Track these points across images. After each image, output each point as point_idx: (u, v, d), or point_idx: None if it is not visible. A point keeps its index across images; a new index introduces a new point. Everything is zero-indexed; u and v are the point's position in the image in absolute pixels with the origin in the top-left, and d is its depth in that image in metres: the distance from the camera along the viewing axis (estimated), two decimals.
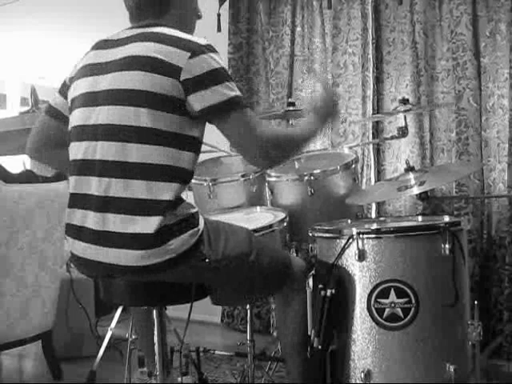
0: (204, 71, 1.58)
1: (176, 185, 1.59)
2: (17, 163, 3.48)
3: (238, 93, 1.62)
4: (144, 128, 1.56)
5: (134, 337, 2.42)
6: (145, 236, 1.55)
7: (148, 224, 1.55)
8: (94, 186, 1.61)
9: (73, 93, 1.71)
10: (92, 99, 1.64)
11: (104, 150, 1.60)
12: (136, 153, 1.56)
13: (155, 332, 1.83)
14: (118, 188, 1.57)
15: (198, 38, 1.65)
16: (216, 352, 2.64)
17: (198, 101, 1.58)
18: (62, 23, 4.37)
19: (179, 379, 2.20)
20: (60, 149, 1.79)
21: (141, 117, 1.56)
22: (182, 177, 1.63)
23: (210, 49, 1.62)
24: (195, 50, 1.59)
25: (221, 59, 1.64)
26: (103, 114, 1.61)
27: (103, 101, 1.61)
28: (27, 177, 2.70)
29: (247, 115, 1.62)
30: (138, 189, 1.56)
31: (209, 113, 1.59)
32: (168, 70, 1.57)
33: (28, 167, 3.24)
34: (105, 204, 1.59)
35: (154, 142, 1.57)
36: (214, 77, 1.59)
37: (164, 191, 1.57)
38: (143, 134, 1.56)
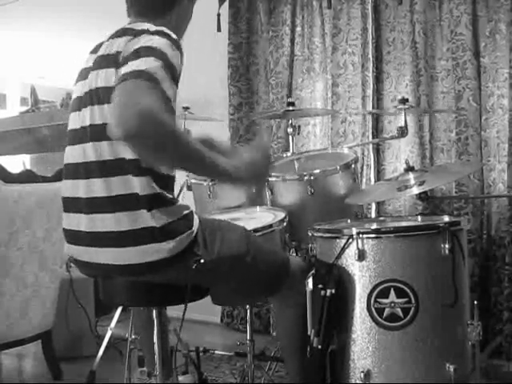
0: (134, 48, 1.49)
1: (151, 178, 1.55)
2: (17, 163, 3.49)
3: (152, 69, 1.41)
4: (108, 124, 1.50)
5: (133, 337, 2.42)
6: (136, 233, 1.55)
7: (136, 221, 1.54)
8: (82, 188, 1.61)
9: (72, 97, 1.74)
10: (79, 103, 1.66)
11: (87, 152, 1.60)
12: (108, 150, 1.55)
13: (155, 332, 1.83)
14: (99, 188, 1.57)
15: (162, 27, 1.56)
16: (216, 352, 2.64)
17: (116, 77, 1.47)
18: (62, 23, 4.38)
19: (179, 378, 2.20)
20: None
21: (104, 113, 1.55)
22: (156, 171, 1.57)
23: (157, 33, 1.52)
24: (138, 33, 1.53)
25: (170, 46, 1.49)
26: (86, 116, 1.61)
27: (85, 103, 1.63)
28: (27, 177, 2.70)
29: (144, 86, 1.38)
30: (115, 186, 1.55)
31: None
32: (115, 59, 1.54)
33: (28, 167, 3.25)
34: (91, 205, 1.59)
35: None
36: (139, 52, 1.46)
37: (139, 187, 1.54)
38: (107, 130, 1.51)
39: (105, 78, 1.56)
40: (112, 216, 1.56)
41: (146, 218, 1.54)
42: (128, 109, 1.32)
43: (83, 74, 1.69)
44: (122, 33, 1.60)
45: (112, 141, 1.53)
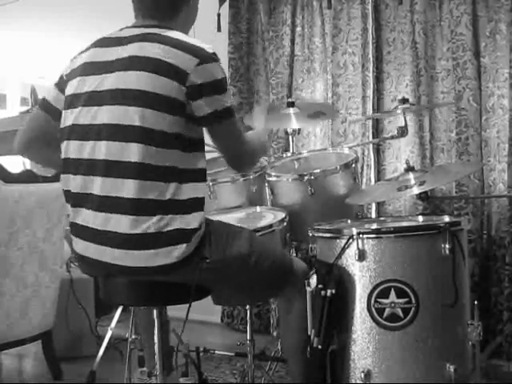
0: (209, 80, 1.62)
1: (180, 185, 1.59)
2: (17, 163, 3.48)
3: (231, 102, 1.71)
4: (147, 129, 1.56)
5: (134, 337, 2.42)
6: (145, 237, 1.55)
7: (148, 226, 1.55)
8: (98, 185, 1.61)
9: (73, 89, 1.69)
10: (97, 98, 1.63)
11: (108, 150, 1.59)
12: (138, 153, 1.56)
13: (155, 332, 1.83)
14: (119, 188, 1.58)
15: (203, 43, 1.67)
16: (216, 352, 2.64)
17: (200, 107, 1.61)
18: (62, 23, 4.37)
19: (180, 380, 2.20)
20: (49, 146, 1.78)
21: (144, 117, 1.56)
22: (188, 177, 1.62)
23: (215, 58, 1.66)
24: (203, 58, 1.62)
25: (222, 68, 1.69)
26: (108, 114, 1.60)
27: (108, 100, 1.61)
28: (27, 177, 2.70)
29: (236, 124, 1.72)
30: (136, 189, 1.56)
31: (207, 119, 1.64)
32: (174, 73, 1.57)
33: (28, 167, 3.24)
34: (106, 204, 1.59)
35: (156, 143, 1.57)
36: (217, 87, 1.64)
37: (165, 192, 1.56)
38: (146, 135, 1.56)
39: (154, 83, 1.57)
40: (125, 218, 1.57)
41: (159, 223, 1.55)
42: (246, 153, 1.78)
43: (98, 69, 1.65)
44: (156, 39, 1.63)
45: (143, 145, 1.56)
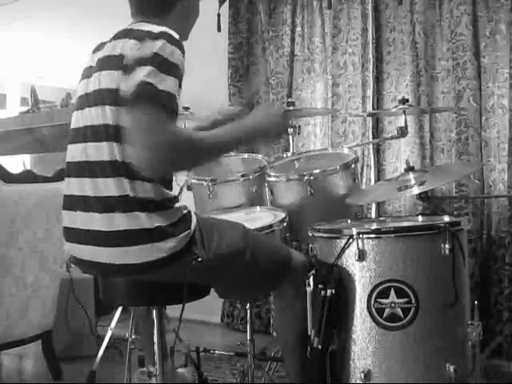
0: (139, 55, 1.50)
1: (144, 182, 1.57)
2: (17, 163, 3.49)
3: (156, 82, 1.45)
4: (109, 125, 1.55)
5: (134, 337, 2.42)
6: (132, 233, 1.55)
7: (132, 223, 1.55)
8: (83, 186, 1.63)
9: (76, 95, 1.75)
10: (83, 102, 1.67)
11: (88, 151, 1.61)
12: (106, 151, 1.56)
13: (155, 332, 1.83)
14: (97, 187, 1.59)
15: (164, 27, 1.57)
16: (216, 352, 2.64)
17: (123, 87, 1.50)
18: (62, 23, 4.38)
19: (179, 370, 2.20)
20: None
21: (105, 114, 1.56)
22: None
23: (160, 36, 1.53)
24: (141, 37, 1.54)
25: (174, 49, 1.52)
26: (89, 116, 1.63)
27: (88, 103, 1.64)
28: (27, 177, 2.70)
29: (152, 110, 1.44)
30: (111, 187, 1.56)
31: (128, 98, 1.47)
32: (120, 63, 1.54)
33: (28, 167, 3.25)
34: (91, 203, 1.60)
35: (122, 140, 1.54)
36: (144, 60, 1.48)
37: (131, 189, 1.55)
38: (114, 132, 1.55)
39: (108, 79, 1.56)
40: (108, 216, 1.57)
41: (142, 220, 1.55)
42: (155, 147, 1.43)
43: (86, 73, 1.70)
44: (124, 34, 1.61)
45: (111, 142, 1.55)
